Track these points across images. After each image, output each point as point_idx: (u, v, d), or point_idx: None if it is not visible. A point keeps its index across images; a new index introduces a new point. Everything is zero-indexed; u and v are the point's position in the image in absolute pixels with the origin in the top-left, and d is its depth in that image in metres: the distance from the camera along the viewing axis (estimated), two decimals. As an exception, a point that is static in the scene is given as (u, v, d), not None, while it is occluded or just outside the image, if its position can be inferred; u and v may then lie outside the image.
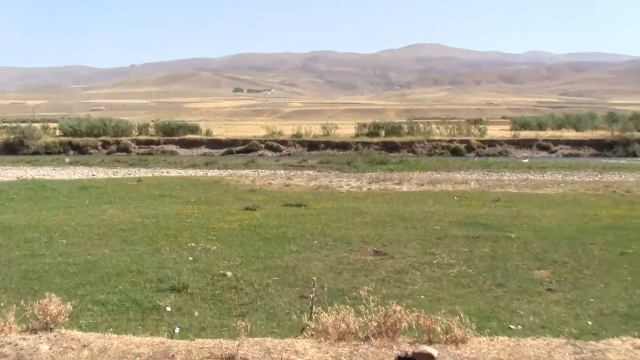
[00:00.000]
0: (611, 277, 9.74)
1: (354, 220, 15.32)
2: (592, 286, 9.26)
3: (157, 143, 52.43)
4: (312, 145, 50.45)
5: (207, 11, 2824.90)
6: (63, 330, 4.92)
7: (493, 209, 17.79)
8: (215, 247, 11.97)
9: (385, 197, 21.44)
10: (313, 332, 4.84)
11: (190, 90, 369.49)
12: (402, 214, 16.34)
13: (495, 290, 9.04)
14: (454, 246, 12.11)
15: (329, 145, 49.93)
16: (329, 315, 4.87)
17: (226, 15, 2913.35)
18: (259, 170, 34.67)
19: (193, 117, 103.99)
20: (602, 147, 47.65)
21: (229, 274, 9.80)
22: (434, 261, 10.81)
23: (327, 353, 4.46)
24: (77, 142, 51.77)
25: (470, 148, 48.33)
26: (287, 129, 55.17)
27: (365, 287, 5.72)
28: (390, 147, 48.57)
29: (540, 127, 58.90)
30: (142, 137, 54.60)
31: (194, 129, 56.75)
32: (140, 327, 7.14)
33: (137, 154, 49.32)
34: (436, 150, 48.30)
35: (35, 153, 48.88)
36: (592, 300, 8.48)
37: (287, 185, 26.39)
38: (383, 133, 53.46)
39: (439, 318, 4.75)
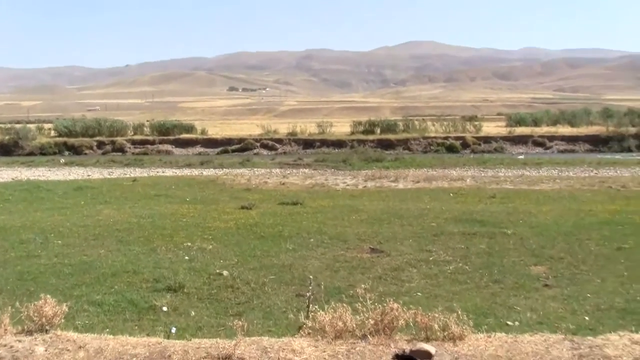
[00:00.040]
0: (608, 272, 9.75)
1: (350, 218, 15.30)
2: (588, 281, 9.26)
3: (153, 143, 52.41)
4: (308, 144, 50.53)
5: (201, 10, 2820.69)
6: (59, 332, 4.89)
7: (489, 206, 17.81)
8: (211, 247, 11.94)
9: (381, 195, 21.44)
10: (310, 331, 4.82)
11: (185, 90, 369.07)
12: (398, 211, 16.34)
13: (492, 287, 9.03)
14: (451, 243, 12.10)
15: (325, 143, 50.01)
16: (325, 314, 4.85)
17: (220, 15, 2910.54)
18: (255, 169, 34.69)
19: (188, 116, 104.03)
20: (598, 143, 47.90)
21: (225, 273, 9.76)
22: (431, 258, 10.80)
23: (324, 352, 4.44)
24: (72, 143, 51.68)
25: (465, 145, 48.49)
26: (283, 128, 55.18)
27: (362, 285, 5.69)
28: (386, 145, 48.70)
29: (536, 123, 59.15)
30: (137, 137, 54.56)
31: (189, 129, 56.73)
32: (136, 327, 7.12)
33: (133, 153, 49.33)
34: (432, 148, 48.46)
35: (30, 154, 48.83)
36: (589, 295, 8.48)
37: (283, 183, 26.38)
38: (378, 131, 53.57)
39: (436, 315, 4.73)
